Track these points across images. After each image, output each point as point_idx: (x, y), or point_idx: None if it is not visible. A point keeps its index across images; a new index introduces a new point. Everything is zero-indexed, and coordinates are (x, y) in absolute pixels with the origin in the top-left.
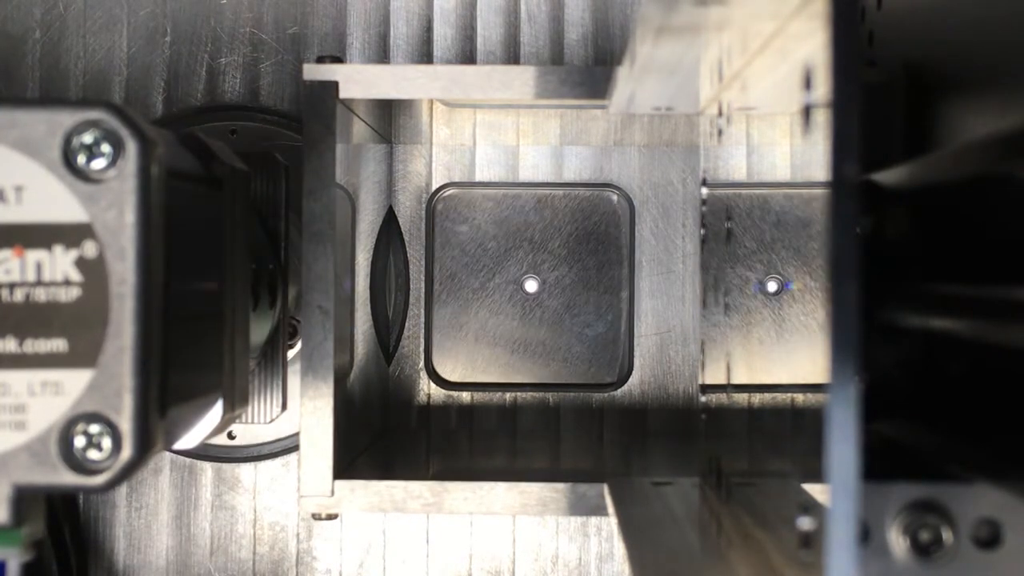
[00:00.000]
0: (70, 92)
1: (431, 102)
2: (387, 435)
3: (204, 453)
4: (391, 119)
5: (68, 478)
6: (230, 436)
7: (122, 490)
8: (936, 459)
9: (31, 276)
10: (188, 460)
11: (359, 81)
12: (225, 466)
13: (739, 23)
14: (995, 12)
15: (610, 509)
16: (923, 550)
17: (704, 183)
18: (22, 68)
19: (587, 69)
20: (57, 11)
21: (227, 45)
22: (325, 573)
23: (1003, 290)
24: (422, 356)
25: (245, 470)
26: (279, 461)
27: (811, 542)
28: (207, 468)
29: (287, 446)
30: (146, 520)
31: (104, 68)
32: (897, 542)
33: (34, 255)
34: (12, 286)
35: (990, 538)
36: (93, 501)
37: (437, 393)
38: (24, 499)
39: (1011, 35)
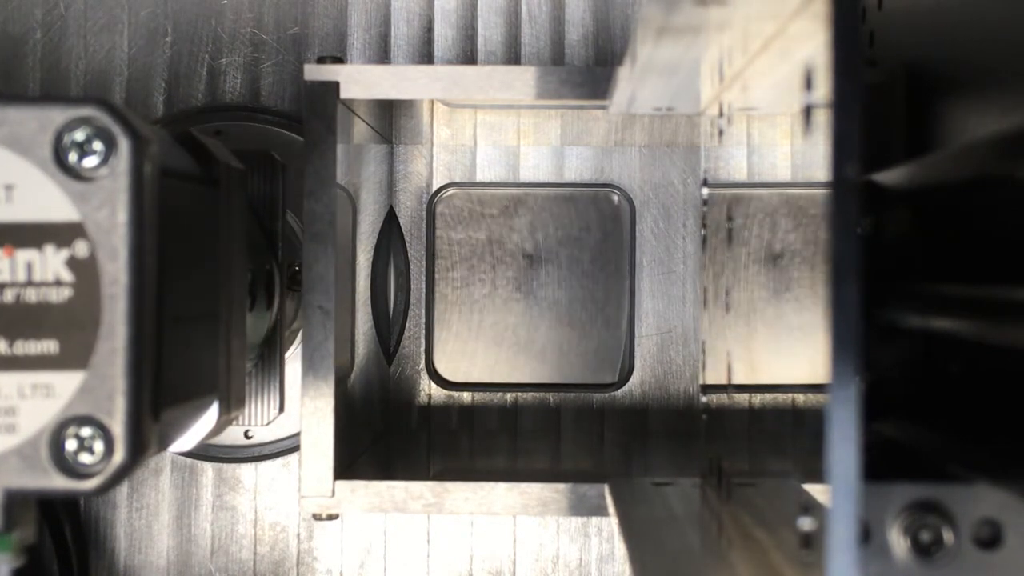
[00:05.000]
0: (71, 93)
1: (432, 102)
2: (388, 435)
3: (205, 453)
4: (392, 119)
5: (59, 482)
6: (247, 436)
7: (123, 490)
8: (937, 459)
9: (21, 276)
10: (189, 460)
11: (360, 81)
12: (226, 466)
13: (740, 23)
14: (996, 12)
15: (611, 509)
16: (924, 550)
17: (705, 183)
18: (23, 69)
19: (588, 69)
20: (58, 11)
21: (228, 46)
22: (326, 573)
23: (1003, 290)
24: (423, 356)
25: (246, 470)
26: (280, 461)
27: (812, 542)
28: (208, 468)
29: (288, 446)
30: (147, 520)
31: (105, 68)
32: (898, 542)
33: (24, 255)
34: (2, 286)
35: (991, 538)
36: (94, 501)
37: (438, 393)
38: (14, 503)
39: (1012, 35)
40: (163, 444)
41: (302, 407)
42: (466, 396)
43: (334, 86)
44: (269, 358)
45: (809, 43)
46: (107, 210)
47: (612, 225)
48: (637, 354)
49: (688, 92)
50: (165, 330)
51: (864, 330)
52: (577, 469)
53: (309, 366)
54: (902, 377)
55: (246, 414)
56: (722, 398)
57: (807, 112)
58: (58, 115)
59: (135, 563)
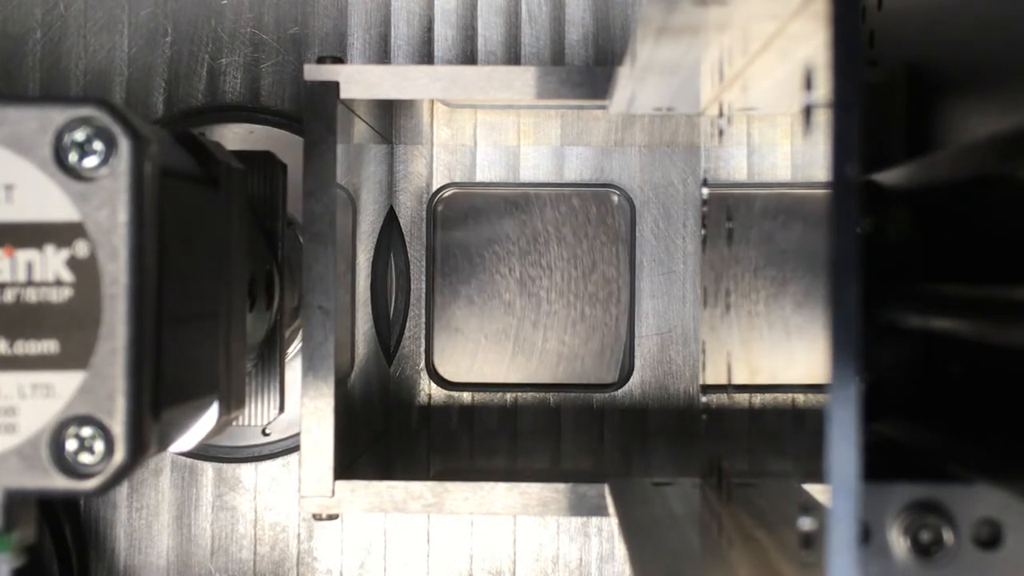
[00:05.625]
0: (71, 93)
1: (432, 102)
2: (388, 435)
3: (205, 453)
4: (392, 120)
5: (59, 482)
6: (264, 433)
7: (123, 490)
8: (937, 459)
9: (22, 276)
10: (189, 460)
11: (360, 82)
12: (226, 466)
13: (740, 23)
14: (996, 12)
15: (611, 509)
16: (924, 550)
17: (705, 183)
18: (23, 68)
19: (588, 69)
20: (58, 11)
21: (228, 45)
22: (326, 573)
23: (1003, 290)
24: (423, 356)
25: (246, 470)
26: (280, 461)
27: (812, 542)
28: (208, 468)
29: (288, 446)
30: (147, 520)
31: (105, 68)
32: (898, 542)
33: (24, 255)
34: (2, 286)
35: (991, 538)
36: (94, 501)
37: (438, 393)
38: (15, 503)
39: (1012, 35)
40: (163, 444)
41: (302, 407)
42: (466, 396)
43: (334, 86)
44: (269, 358)
45: (809, 43)
46: (107, 210)
47: (612, 225)
48: (637, 354)
49: (688, 92)
50: (165, 330)
51: (864, 330)
52: (577, 469)
53: (309, 366)
54: (902, 377)
55: (246, 414)
56: (722, 398)
57: (807, 112)
58: (58, 115)
59: (135, 563)
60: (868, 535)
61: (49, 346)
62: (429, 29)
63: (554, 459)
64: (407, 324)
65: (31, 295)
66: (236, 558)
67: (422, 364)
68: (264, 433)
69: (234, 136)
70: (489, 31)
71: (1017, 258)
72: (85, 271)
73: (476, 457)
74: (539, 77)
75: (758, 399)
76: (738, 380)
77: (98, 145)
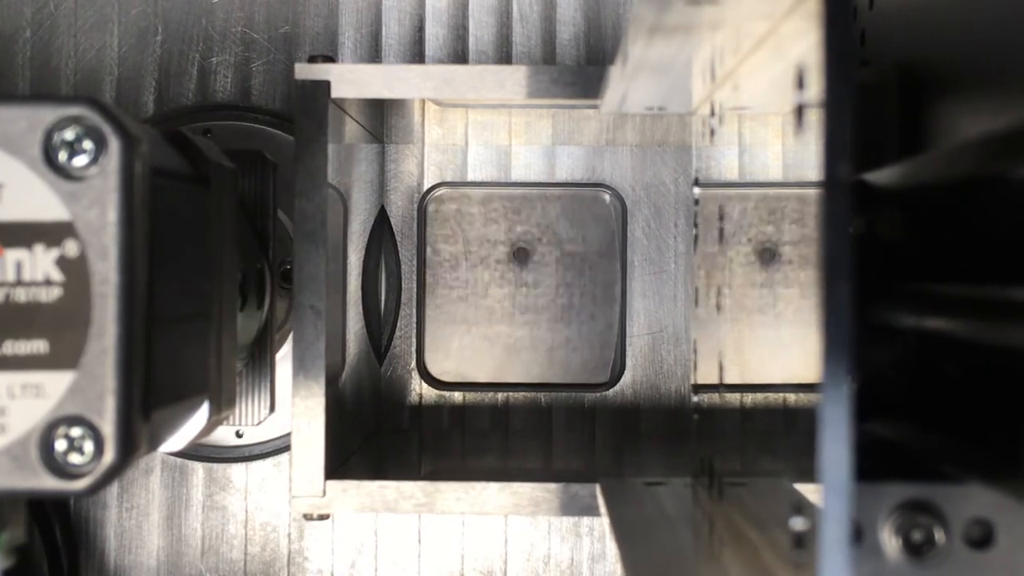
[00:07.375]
0: (61, 92)
1: (423, 102)
2: (379, 435)
3: (195, 453)
4: (383, 119)
5: (49, 483)
6: (238, 435)
7: (113, 490)
8: (929, 459)
9: (11, 276)
10: (179, 460)
11: (351, 81)
12: (216, 466)
13: (732, 23)
14: (987, 11)
15: (602, 509)
16: (915, 550)
17: (696, 183)
18: (12, 67)
19: (579, 69)
20: (48, 10)
21: (218, 44)
22: (316, 573)
23: (996, 290)
24: (414, 356)
25: (236, 470)
26: (270, 461)
27: (804, 542)
28: (198, 468)
29: (278, 446)
30: (137, 520)
31: (95, 67)
32: (889, 542)
33: (14, 254)
34: None
35: (982, 538)
36: (84, 501)
37: (429, 393)
38: (4, 504)
39: (1004, 34)
40: (154, 444)
41: (293, 407)
42: (457, 396)
43: (325, 85)
44: (260, 358)
45: (801, 42)
46: (97, 209)
47: (603, 224)
48: (628, 353)
49: (680, 91)
50: (155, 330)
51: (856, 330)
52: (568, 469)
53: (300, 366)
54: (895, 377)
55: (237, 414)
56: (713, 398)
57: (799, 111)
58: (48, 114)
59: (125, 563)
60: (860, 535)
61: (39, 346)
62: (420, 28)
63: (545, 459)
64: (398, 323)
65: (20, 295)
66: (227, 558)
67: (413, 364)
68: (238, 435)
69: (225, 135)
70: (480, 30)
71: (1010, 258)
72: (75, 271)
73: (467, 457)
74: (530, 76)
75: (750, 398)
76: (730, 379)
77: (88, 144)
